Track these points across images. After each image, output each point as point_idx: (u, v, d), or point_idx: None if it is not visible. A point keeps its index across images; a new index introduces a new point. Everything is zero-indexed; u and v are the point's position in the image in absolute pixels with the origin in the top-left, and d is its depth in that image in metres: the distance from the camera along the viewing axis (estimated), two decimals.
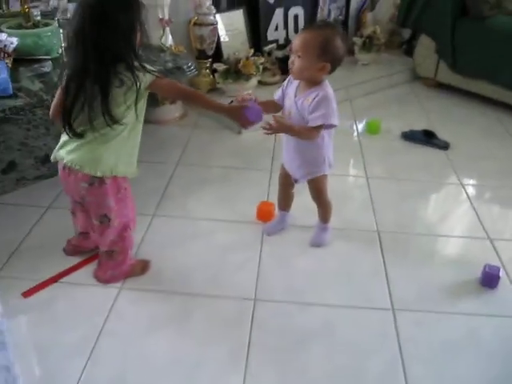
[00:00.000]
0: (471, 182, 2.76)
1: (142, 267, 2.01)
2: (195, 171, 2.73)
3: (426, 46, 3.87)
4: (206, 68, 3.38)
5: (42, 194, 2.43)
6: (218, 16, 3.34)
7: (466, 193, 2.64)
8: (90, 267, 2.00)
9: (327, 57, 1.78)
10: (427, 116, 3.50)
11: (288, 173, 2.13)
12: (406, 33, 4.48)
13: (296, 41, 1.81)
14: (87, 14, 1.53)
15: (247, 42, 3.57)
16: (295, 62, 1.81)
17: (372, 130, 3.22)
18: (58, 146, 1.77)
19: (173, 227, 2.28)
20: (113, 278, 1.94)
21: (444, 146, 3.06)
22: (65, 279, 1.95)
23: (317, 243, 2.22)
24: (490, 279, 1.97)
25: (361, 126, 3.31)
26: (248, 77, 3.27)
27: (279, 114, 1.98)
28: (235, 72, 3.24)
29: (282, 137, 2.04)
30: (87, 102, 1.59)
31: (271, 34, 3.69)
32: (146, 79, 1.62)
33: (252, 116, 1.77)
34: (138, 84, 1.59)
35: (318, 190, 2.13)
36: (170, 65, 2.56)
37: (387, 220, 2.39)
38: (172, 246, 2.16)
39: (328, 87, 1.87)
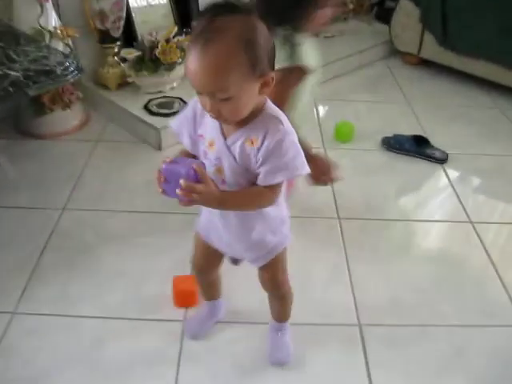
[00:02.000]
0: (485, 218, 1.95)
1: None
2: (87, 221, 1.86)
3: (406, 12, 3.00)
4: (114, 55, 2.44)
5: None
6: None
7: (483, 245, 1.83)
8: None
9: (263, 63, 0.98)
10: (412, 110, 2.66)
11: (214, 249, 1.31)
12: None
13: (197, 78, 0.96)
14: None
15: (171, 15, 2.63)
16: (223, 107, 0.99)
17: (343, 135, 2.37)
18: None
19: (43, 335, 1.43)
20: None
21: (441, 159, 2.24)
22: None
23: (280, 360, 1.43)
24: None
25: (328, 131, 2.44)
26: (170, 66, 2.36)
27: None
28: (151, 61, 2.32)
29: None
30: None
31: (205, 2, 2.76)
32: None
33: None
34: None
35: (275, 276, 1.33)
36: (31, 68, 1.65)
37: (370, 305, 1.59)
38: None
39: (277, 111, 1.09)
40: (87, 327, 1.48)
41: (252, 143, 1.08)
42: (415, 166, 2.22)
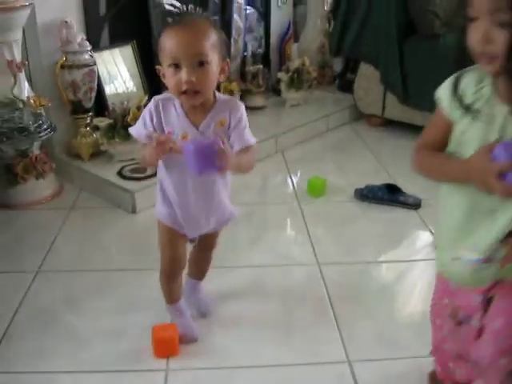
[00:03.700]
0: None
1: None
2: (62, 282, 1.81)
3: (367, 76, 3.14)
4: (86, 125, 2.48)
5: None
6: (97, 55, 2.47)
7: None
8: None
9: (223, 50, 1.30)
10: (381, 165, 2.72)
11: (182, 240, 1.45)
12: (338, 65, 3.77)
13: (185, 46, 1.22)
14: None
15: (141, 86, 2.71)
16: (200, 76, 1.23)
17: (315, 190, 2.40)
18: None
19: None
20: None
21: (415, 204, 2.27)
22: None
23: (208, 310, 1.65)
24: None
25: (301, 186, 2.47)
26: None
27: None
28: (123, 128, 2.36)
29: (171, 183, 1.37)
30: None
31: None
32: None
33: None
34: None
35: (218, 237, 1.56)
36: (4, 126, 1.66)
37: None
38: None
39: (223, 95, 1.37)
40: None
41: (222, 124, 1.31)
42: (390, 213, 2.24)
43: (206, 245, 1.55)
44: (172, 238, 1.43)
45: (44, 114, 2.13)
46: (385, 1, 2.92)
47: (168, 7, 2.78)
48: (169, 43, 1.22)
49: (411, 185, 2.38)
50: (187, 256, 1.51)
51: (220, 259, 1.67)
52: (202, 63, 1.22)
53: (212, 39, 1.24)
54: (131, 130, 1.36)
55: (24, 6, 2.05)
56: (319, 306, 1.68)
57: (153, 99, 1.32)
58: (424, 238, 2.09)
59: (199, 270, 1.64)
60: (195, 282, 1.66)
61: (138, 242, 2.03)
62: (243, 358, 1.47)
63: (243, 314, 1.64)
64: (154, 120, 1.30)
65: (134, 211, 2.23)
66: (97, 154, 2.48)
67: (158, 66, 1.30)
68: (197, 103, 1.27)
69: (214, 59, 1.24)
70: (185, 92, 1.24)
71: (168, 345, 1.47)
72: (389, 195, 2.30)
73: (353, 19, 3.03)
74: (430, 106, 2.82)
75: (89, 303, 1.69)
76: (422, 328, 1.56)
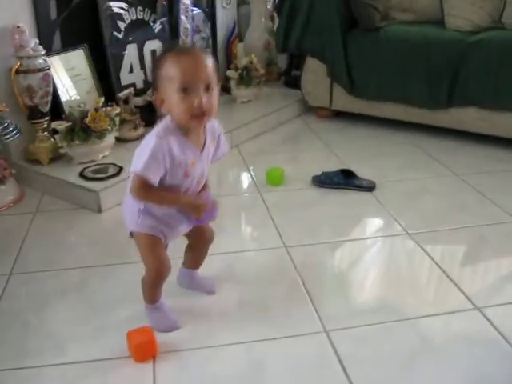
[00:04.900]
0: (418, 228, 2.09)
1: None
2: (36, 282, 1.82)
3: (313, 70, 3.26)
4: (44, 130, 2.48)
5: None
6: (51, 59, 2.48)
7: (421, 247, 1.96)
8: None
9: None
10: (334, 154, 2.84)
11: (162, 242, 1.50)
12: (282, 62, 3.88)
13: (197, 71, 1.29)
14: None
15: (95, 89, 2.73)
16: (209, 99, 1.31)
17: (274, 179, 2.49)
18: None
19: None
20: None
21: (370, 187, 2.40)
22: None
23: (215, 286, 1.75)
24: None
25: (259, 177, 2.56)
26: (101, 134, 2.42)
27: None
28: (82, 130, 2.38)
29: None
30: None
31: (125, 77, 2.89)
32: None
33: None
34: None
35: (212, 231, 1.68)
36: None
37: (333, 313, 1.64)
38: None
39: None
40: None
41: (212, 144, 1.46)
42: (347, 196, 2.36)
43: (201, 239, 1.64)
44: (155, 244, 1.47)
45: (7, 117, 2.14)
46: None
47: (117, 10, 2.82)
48: (177, 70, 1.26)
49: (364, 170, 2.52)
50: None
51: None
52: (208, 87, 1.29)
53: (213, 65, 1.32)
54: (144, 172, 1.31)
55: None
56: (292, 285, 1.76)
57: (157, 137, 1.32)
58: (381, 216, 2.20)
59: (197, 261, 1.71)
60: (191, 270, 1.72)
61: (107, 240, 2.06)
62: (226, 336, 1.53)
63: (220, 298, 1.70)
64: (167, 158, 1.32)
65: (99, 211, 2.25)
66: (56, 157, 2.49)
67: (155, 93, 1.34)
68: (203, 125, 1.38)
69: (215, 86, 1.32)
70: (195, 116, 1.29)
71: (147, 347, 1.45)
72: (345, 180, 2.41)
73: (297, 16, 3.14)
74: (375, 94, 3.04)
75: (62, 301, 1.72)
76: (385, 295, 1.70)
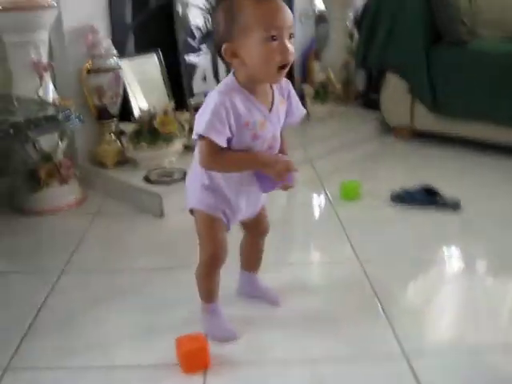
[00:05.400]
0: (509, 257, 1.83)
1: None
2: (87, 282, 1.71)
3: (393, 87, 3.07)
4: (111, 132, 2.42)
5: None
6: (122, 63, 2.43)
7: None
8: None
9: None
10: (414, 172, 2.62)
11: (222, 222, 1.34)
12: (360, 83, 3.71)
13: (284, 16, 1.15)
14: None
15: (166, 95, 2.66)
16: (290, 45, 1.16)
17: (349, 194, 2.30)
18: None
19: None
20: None
21: (454, 205, 2.16)
22: None
23: (278, 298, 1.55)
24: None
25: (333, 192, 2.37)
26: (169, 138, 2.33)
27: None
28: (149, 132, 2.29)
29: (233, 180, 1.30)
30: None
31: (198, 85, 2.80)
32: None
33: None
34: None
35: (268, 222, 1.49)
36: (33, 114, 1.60)
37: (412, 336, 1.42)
38: None
39: None
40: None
41: (282, 103, 1.28)
42: (430, 215, 2.13)
43: (259, 229, 1.48)
44: (215, 225, 1.33)
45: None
46: (410, 10, 2.87)
47: (193, 18, 2.75)
48: (264, 14, 1.12)
49: (448, 189, 2.27)
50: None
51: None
52: (291, 35, 1.16)
53: None
54: (208, 133, 1.16)
55: (49, 7, 2.01)
56: (365, 301, 1.57)
57: (220, 93, 1.18)
58: (466, 237, 1.97)
59: (254, 260, 1.54)
60: (251, 274, 1.56)
61: (166, 244, 1.94)
62: (288, 351, 1.35)
63: (284, 309, 1.52)
64: (231, 115, 1.17)
65: (161, 215, 2.14)
66: (122, 161, 2.41)
67: (226, 44, 1.16)
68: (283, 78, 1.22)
69: None
70: (282, 67, 1.16)
71: (198, 356, 1.28)
72: (427, 197, 2.19)
73: (378, 29, 2.98)
74: (459, 112, 2.80)
75: (116, 303, 1.59)
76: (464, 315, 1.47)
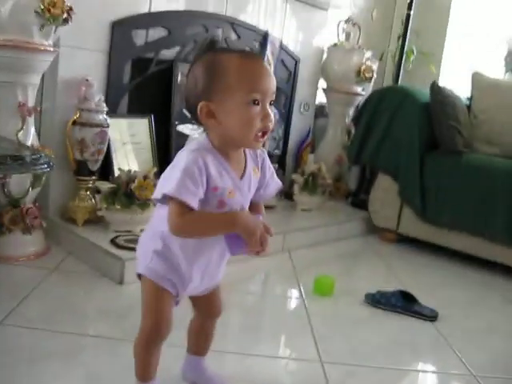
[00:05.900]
0: (485, 371, 1.70)
1: None
2: (25, 339, 1.55)
3: (384, 188, 3.03)
4: (87, 189, 2.33)
5: None
6: (112, 121, 2.37)
7: None
8: None
9: None
10: (394, 275, 2.53)
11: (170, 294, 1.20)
12: (352, 182, 3.68)
13: (269, 80, 1.09)
14: None
15: (151, 161, 2.59)
16: (271, 112, 1.11)
17: (322, 289, 2.18)
18: None
19: None
20: None
21: (431, 316, 2.04)
22: None
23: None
24: None
25: (306, 285, 2.25)
26: (144, 204, 2.23)
27: None
28: (125, 195, 2.21)
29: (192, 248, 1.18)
30: None
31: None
32: None
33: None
34: None
35: (221, 303, 1.36)
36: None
37: None
38: None
39: None
40: None
41: (255, 172, 1.19)
42: (404, 322, 2.01)
43: (210, 310, 1.35)
44: (161, 296, 1.20)
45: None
46: (408, 114, 2.89)
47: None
48: (249, 75, 1.06)
49: (426, 297, 2.16)
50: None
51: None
52: (271, 103, 1.11)
53: None
54: (176, 192, 1.04)
55: (45, 51, 1.98)
56: None
57: (192, 152, 1.07)
58: (441, 349, 1.83)
59: (203, 343, 1.40)
60: (198, 358, 1.41)
61: (119, 312, 1.80)
62: None
63: None
64: (204, 175, 1.07)
65: (121, 282, 2.00)
66: (93, 220, 2.30)
67: (203, 103, 1.08)
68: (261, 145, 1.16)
69: None
70: (263, 134, 1.09)
71: None
72: (403, 303, 2.07)
73: (374, 128, 2.98)
74: (448, 222, 2.73)
75: (51, 366, 1.43)
76: None
